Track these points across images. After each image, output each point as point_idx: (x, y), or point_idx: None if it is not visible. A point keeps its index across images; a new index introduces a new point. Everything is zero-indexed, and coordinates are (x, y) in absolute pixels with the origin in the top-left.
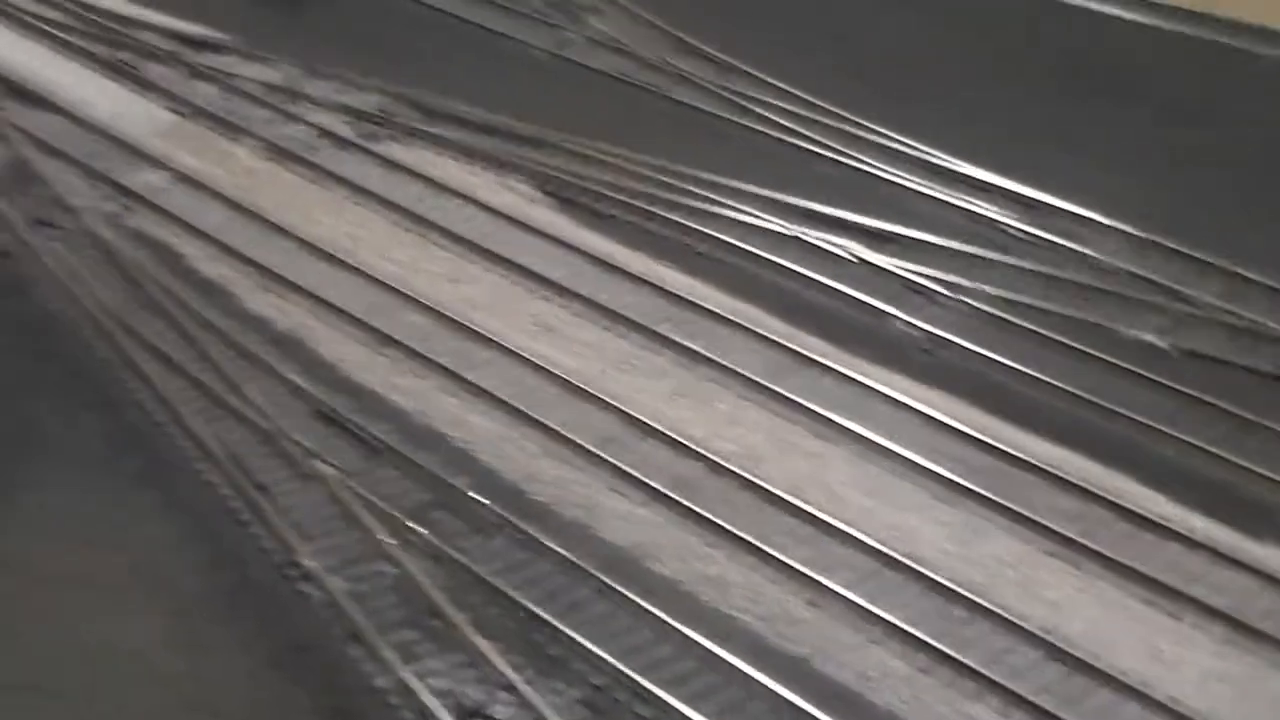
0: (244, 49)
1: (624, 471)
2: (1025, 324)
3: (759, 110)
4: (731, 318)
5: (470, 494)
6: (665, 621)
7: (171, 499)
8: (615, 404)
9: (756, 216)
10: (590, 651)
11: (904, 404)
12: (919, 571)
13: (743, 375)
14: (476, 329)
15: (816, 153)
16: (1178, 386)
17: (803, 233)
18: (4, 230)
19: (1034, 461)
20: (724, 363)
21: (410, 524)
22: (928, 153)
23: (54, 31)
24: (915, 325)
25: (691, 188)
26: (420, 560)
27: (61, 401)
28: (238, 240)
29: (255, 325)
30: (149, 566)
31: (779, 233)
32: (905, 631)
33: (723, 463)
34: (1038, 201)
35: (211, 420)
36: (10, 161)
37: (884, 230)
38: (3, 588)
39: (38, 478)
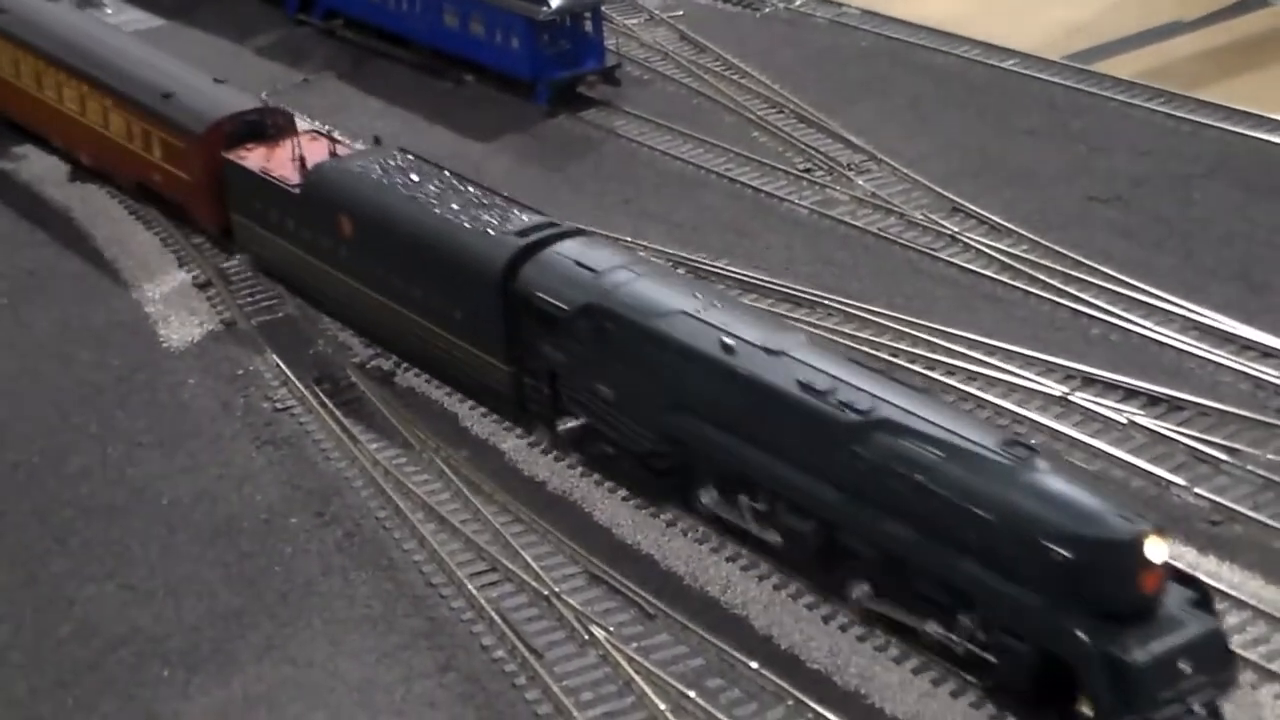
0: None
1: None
2: None
3: (1030, 272)
4: None
5: (746, 661)
6: None
7: (448, 661)
8: None
9: (1032, 380)
10: None
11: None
12: None
13: None
14: None
15: (1092, 315)
16: None
17: (1080, 397)
18: (283, 387)
19: None
20: None
21: (685, 691)
22: (1211, 317)
23: None
24: (1201, 495)
25: (962, 349)
26: None
27: (338, 560)
28: None
29: (528, 486)
30: None
31: (1055, 397)
32: None
33: None
34: None
35: (487, 583)
36: None
37: (1165, 395)
38: None
39: (315, 638)
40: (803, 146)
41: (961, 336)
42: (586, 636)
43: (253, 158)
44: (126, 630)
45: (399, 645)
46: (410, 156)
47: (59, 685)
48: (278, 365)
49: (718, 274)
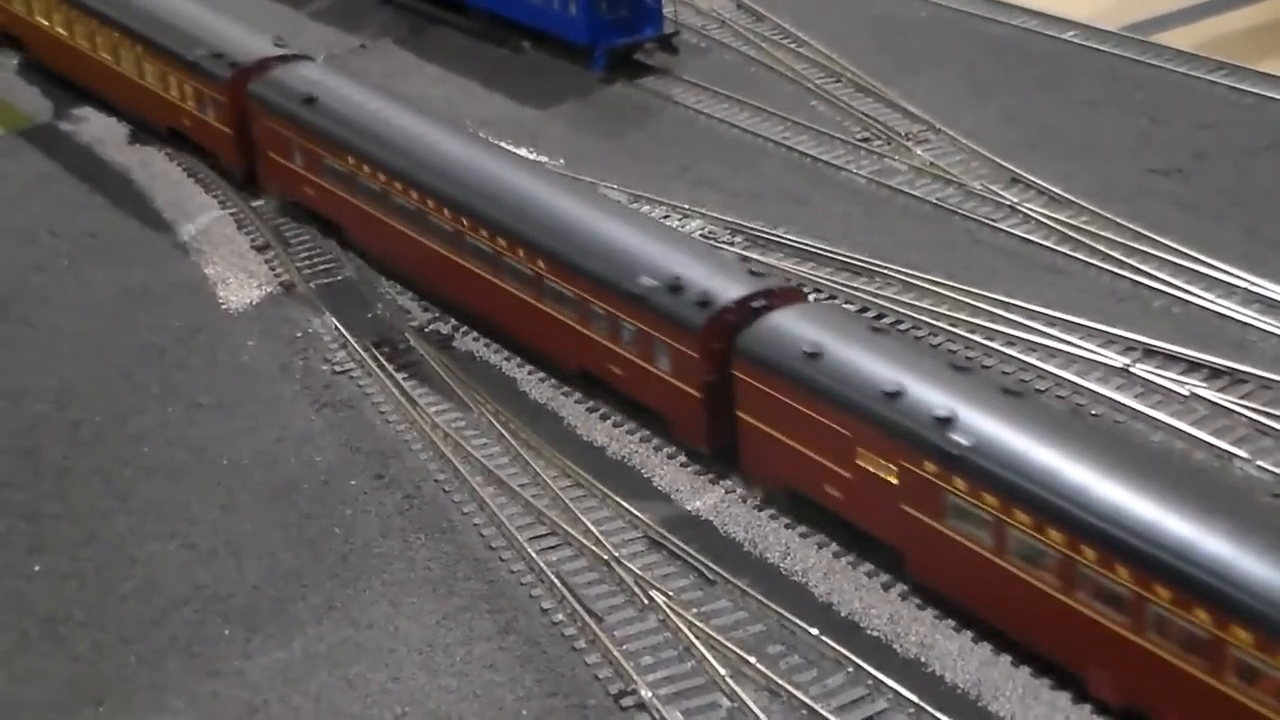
0: (570, 174)
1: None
2: None
3: (1091, 243)
4: None
5: (806, 628)
6: None
7: (508, 624)
8: None
9: (1093, 352)
10: None
11: None
12: None
13: None
14: None
15: (1154, 288)
16: None
17: (1141, 369)
18: (342, 349)
19: None
20: None
21: (746, 656)
22: (1274, 291)
23: None
24: (1264, 468)
25: (1022, 319)
26: (756, 694)
27: (398, 523)
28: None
29: (587, 451)
30: (487, 692)
31: (1116, 368)
32: None
33: None
34: None
35: (546, 547)
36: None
37: (1227, 368)
38: (352, 711)
39: (376, 600)
40: (861, 116)
41: (1021, 307)
42: (646, 601)
43: None
44: (188, 589)
45: (459, 608)
46: None
47: (122, 642)
48: (336, 328)
49: (776, 242)
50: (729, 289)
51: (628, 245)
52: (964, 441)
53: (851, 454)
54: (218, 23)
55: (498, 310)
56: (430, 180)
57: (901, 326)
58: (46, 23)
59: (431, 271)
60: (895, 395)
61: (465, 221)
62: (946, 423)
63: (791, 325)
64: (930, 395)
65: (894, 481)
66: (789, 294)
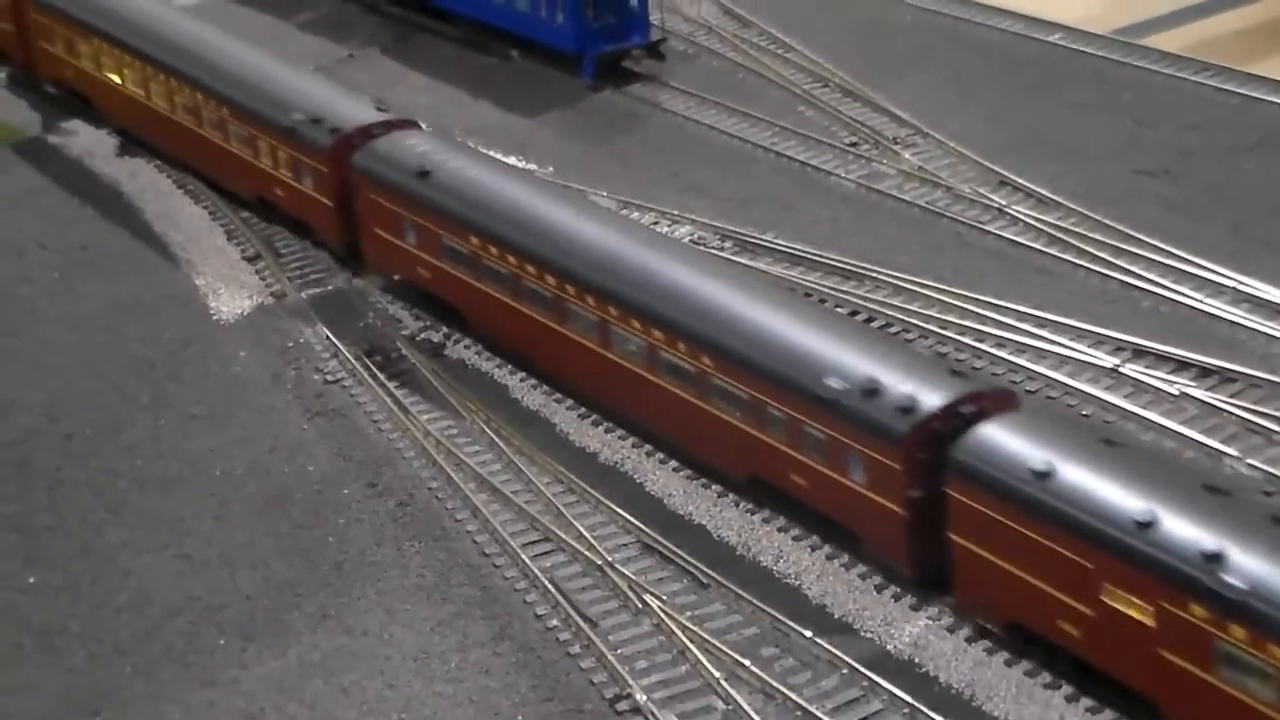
0: (559, 181)
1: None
2: None
3: (1079, 245)
4: None
5: (800, 630)
6: None
7: (502, 630)
8: None
9: (1083, 353)
10: None
11: None
12: None
13: None
14: None
15: (1143, 288)
16: None
17: (1131, 369)
18: (333, 359)
19: None
20: None
21: (740, 659)
22: (1262, 289)
23: None
24: (1254, 466)
25: (1011, 321)
26: (751, 697)
27: (392, 531)
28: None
29: (580, 457)
30: (483, 698)
31: (1106, 369)
32: None
33: None
34: None
35: (540, 553)
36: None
37: (1217, 367)
38: (348, 719)
39: (370, 608)
40: (848, 120)
41: (1011, 309)
42: (640, 606)
43: None
44: (183, 599)
45: (453, 614)
46: None
47: (117, 653)
48: (328, 337)
49: (765, 247)
50: (934, 393)
51: (809, 340)
52: (1240, 584)
53: (1094, 589)
54: (311, 84)
55: (650, 410)
56: (570, 264)
57: (892, 329)
58: (118, 79)
59: (571, 365)
60: (1148, 525)
61: (613, 311)
62: (1216, 559)
63: (1012, 438)
64: (1190, 525)
65: (1150, 623)
66: (998, 397)
